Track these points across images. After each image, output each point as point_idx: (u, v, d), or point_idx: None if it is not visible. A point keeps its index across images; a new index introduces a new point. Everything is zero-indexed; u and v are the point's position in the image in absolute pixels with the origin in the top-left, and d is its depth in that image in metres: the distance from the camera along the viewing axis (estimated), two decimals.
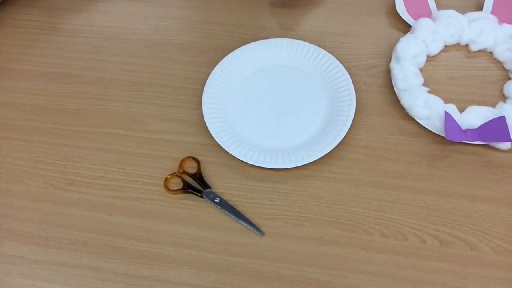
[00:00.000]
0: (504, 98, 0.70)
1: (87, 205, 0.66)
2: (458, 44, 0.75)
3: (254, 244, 0.62)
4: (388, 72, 0.72)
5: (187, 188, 0.65)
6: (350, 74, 0.71)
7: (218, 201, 0.64)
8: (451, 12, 0.74)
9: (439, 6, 0.75)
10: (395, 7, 0.76)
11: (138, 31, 0.80)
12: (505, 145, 0.65)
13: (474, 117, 0.66)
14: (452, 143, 0.66)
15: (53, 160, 0.70)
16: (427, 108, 0.66)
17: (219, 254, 0.62)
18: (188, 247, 0.62)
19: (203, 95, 0.71)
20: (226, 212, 0.64)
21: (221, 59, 0.74)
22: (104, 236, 0.64)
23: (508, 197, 0.63)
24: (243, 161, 0.66)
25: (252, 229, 0.62)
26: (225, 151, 0.66)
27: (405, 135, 0.68)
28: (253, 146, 0.67)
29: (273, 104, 0.71)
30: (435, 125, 0.66)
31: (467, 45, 0.74)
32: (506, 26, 0.73)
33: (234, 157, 0.66)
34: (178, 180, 0.66)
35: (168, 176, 0.66)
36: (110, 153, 0.70)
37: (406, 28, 0.76)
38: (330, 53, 0.73)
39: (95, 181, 0.67)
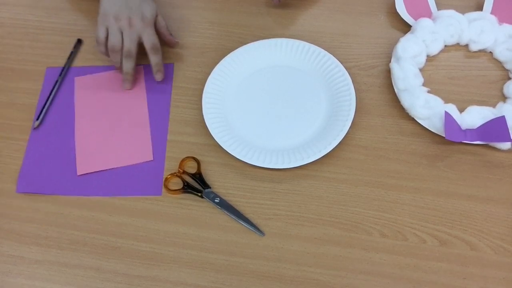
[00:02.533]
0: (504, 98, 0.70)
1: (87, 205, 0.66)
2: (458, 44, 0.75)
3: (254, 244, 0.62)
4: (388, 72, 0.72)
5: (187, 188, 0.65)
6: (350, 74, 0.71)
7: (218, 201, 0.64)
8: (451, 12, 0.74)
9: (439, 6, 0.76)
10: (395, 7, 0.76)
11: None
12: (505, 145, 0.65)
13: (474, 117, 0.66)
14: (452, 143, 0.66)
15: None
16: (427, 108, 0.67)
17: (219, 254, 0.62)
18: (188, 247, 0.62)
19: (203, 95, 0.71)
20: (226, 212, 0.64)
21: (221, 59, 0.74)
22: (104, 236, 0.64)
23: (508, 197, 0.63)
24: (243, 161, 0.66)
25: (252, 229, 0.62)
26: (225, 151, 0.66)
27: (405, 135, 0.68)
28: (253, 146, 0.67)
29: (273, 104, 0.71)
30: (435, 125, 0.66)
31: (467, 45, 0.74)
32: (506, 26, 0.73)
33: (234, 157, 0.66)
34: (178, 180, 0.66)
35: (168, 176, 0.66)
36: None
37: (406, 28, 0.76)
38: (330, 53, 0.73)
39: None
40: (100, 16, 0.70)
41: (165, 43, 0.75)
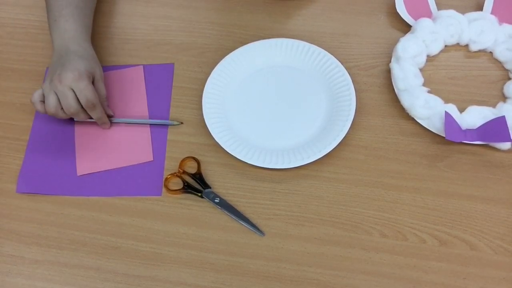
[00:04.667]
0: (504, 98, 0.70)
1: (87, 205, 0.66)
2: (458, 44, 0.75)
3: (254, 244, 0.62)
4: (388, 72, 0.72)
5: (187, 188, 0.65)
6: (350, 74, 0.71)
7: (218, 201, 0.64)
8: (451, 12, 0.74)
9: (439, 6, 0.75)
10: (395, 7, 0.76)
11: (138, 31, 0.80)
12: (505, 145, 0.65)
13: (474, 117, 0.66)
14: (452, 143, 0.66)
15: None
16: (427, 108, 0.66)
17: (219, 254, 0.62)
18: (188, 247, 0.62)
19: (203, 95, 0.71)
20: (226, 212, 0.64)
21: (221, 59, 0.74)
22: (104, 236, 0.64)
23: (508, 197, 0.63)
24: (243, 161, 0.66)
25: (252, 229, 0.62)
26: (225, 151, 0.66)
27: (405, 135, 0.68)
28: (253, 146, 0.67)
29: (273, 104, 0.71)
30: (435, 125, 0.66)
31: (467, 45, 0.74)
32: (506, 26, 0.73)
33: (234, 157, 0.66)
34: (178, 180, 0.66)
35: (168, 176, 0.66)
36: None
37: (406, 28, 0.76)
38: (330, 53, 0.73)
39: None
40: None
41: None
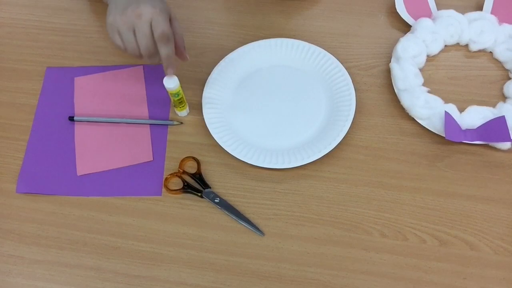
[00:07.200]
0: (504, 98, 0.70)
1: (87, 205, 0.66)
2: (458, 44, 0.75)
3: (254, 244, 0.62)
4: (388, 72, 0.72)
5: (187, 188, 0.65)
6: (350, 74, 0.71)
7: (218, 201, 0.64)
8: (451, 12, 0.74)
9: (439, 6, 0.76)
10: (395, 7, 0.76)
11: None
12: (505, 145, 0.65)
13: (474, 117, 0.66)
14: (452, 143, 0.66)
15: None
16: (427, 108, 0.67)
17: (219, 254, 0.62)
18: (188, 247, 0.62)
19: (203, 95, 0.71)
20: (226, 212, 0.64)
21: (221, 59, 0.74)
22: (104, 236, 0.64)
23: (508, 197, 0.63)
24: (243, 161, 0.66)
25: (252, 229, 0.63)
26: (225, 151, 0.66)
27: (405, 135, 0.68)
28: (253, 146, 0.67)
29: (273, 104, 0.71)
30: (435, 125, 0.66)
31: (467, 45, 0.74)
32: (506, 26, 0.73)
33: (234, 157, 0.66)
34: (178, 180, 0.66)
35: (168, 176, 0.66)
36: None
37: (406, 28, 0.76)
38: (330, 53, 0.73)
39: None
40: (108, 23, 0.61)
41: (176, 54, 0.65)
